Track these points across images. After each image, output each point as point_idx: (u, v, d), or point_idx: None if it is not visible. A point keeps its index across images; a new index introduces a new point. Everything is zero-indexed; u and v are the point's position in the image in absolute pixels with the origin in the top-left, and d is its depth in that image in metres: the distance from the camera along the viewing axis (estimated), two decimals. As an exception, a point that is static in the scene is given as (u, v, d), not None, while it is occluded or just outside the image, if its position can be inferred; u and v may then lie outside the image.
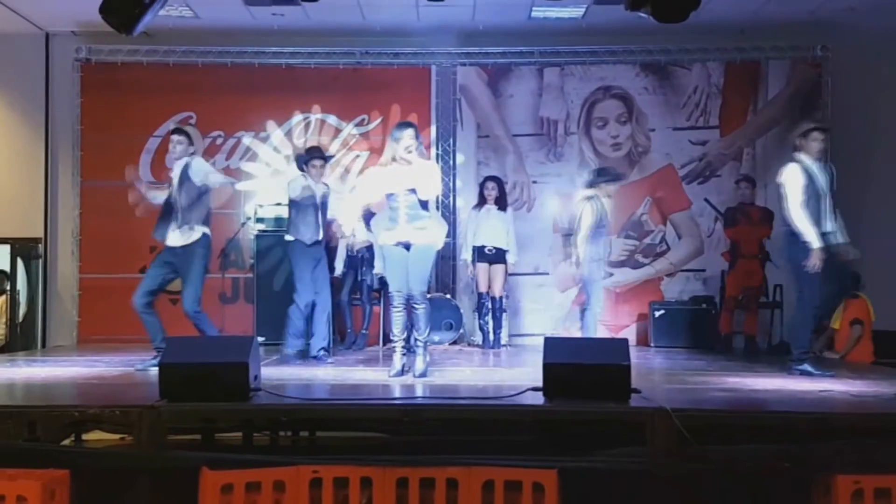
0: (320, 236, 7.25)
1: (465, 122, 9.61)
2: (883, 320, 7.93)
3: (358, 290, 8.44)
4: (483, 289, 8.43)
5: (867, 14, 8.41)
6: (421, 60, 9.57)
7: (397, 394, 5.33)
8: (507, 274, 8.50)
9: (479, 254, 8.39)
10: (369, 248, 8.31)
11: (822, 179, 6.14)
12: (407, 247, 5.86)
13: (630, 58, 9.49)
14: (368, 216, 8.41)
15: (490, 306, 8.44)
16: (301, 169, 7.39)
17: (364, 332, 8.45)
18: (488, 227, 8.40)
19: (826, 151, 6.46)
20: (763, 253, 8.56)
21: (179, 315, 9.15)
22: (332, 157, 8.60)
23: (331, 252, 8.75)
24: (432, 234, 5.90)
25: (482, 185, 8.59)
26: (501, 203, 8.45)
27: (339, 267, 8.47)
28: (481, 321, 8.58)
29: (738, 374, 6.48)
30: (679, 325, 8.96)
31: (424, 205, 5.85)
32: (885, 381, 5.94)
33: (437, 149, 9.54)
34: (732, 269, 8.62)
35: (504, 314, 8.52)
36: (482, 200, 8.50)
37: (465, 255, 8.57)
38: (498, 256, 8.39)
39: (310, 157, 7.39)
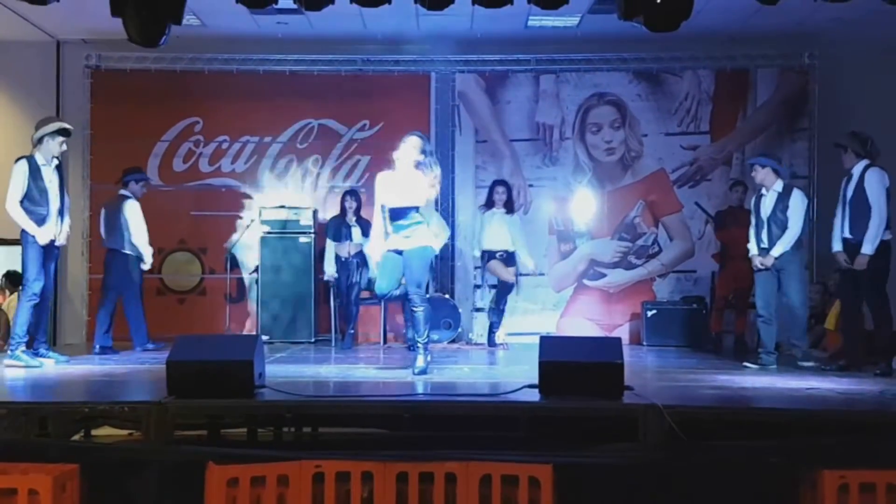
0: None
1: (463, 127, 9.61)
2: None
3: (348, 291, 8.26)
4: (505, 276, 8.23)
5: (853, 24, 8.41)
6: (420, 68, 9.58)
7: (397, 391, 5.34)
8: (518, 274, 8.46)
9: (490, 257, 8.25)
10: (360, 253, 8.16)
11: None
12: (399, 252, 5.93)
13: (623, 65, 9.51)
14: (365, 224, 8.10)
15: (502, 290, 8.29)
16: (125, 185, 7.87)
17: (350, 331, 8.33)
18: (494, 232, 8.23)
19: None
20: (752, 255, 8.56)
21: (188, 313, 9.29)
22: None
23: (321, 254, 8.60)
24: (419, 239, 5.91)
25: (492, 189, 8.41)
26: (509, 207, 8.33)
27: (330, 270, 8.32)
28: (500, 307, 8.35)
29: (728, 371, 6.50)
30: (671, 325, 8.98)
31: (409, 211, 5.89)
32: (869, 379, 5.96)
33: (436, 153, 9.51)
34: (723, 271, 8.65)
35: (503, 313, 8.43)
36: (490, 203, 8.34)
37: (476, 252, 8.43)
38: (509, 260, 8.26)
39: (141, 178, 7.98)
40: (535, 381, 4.86)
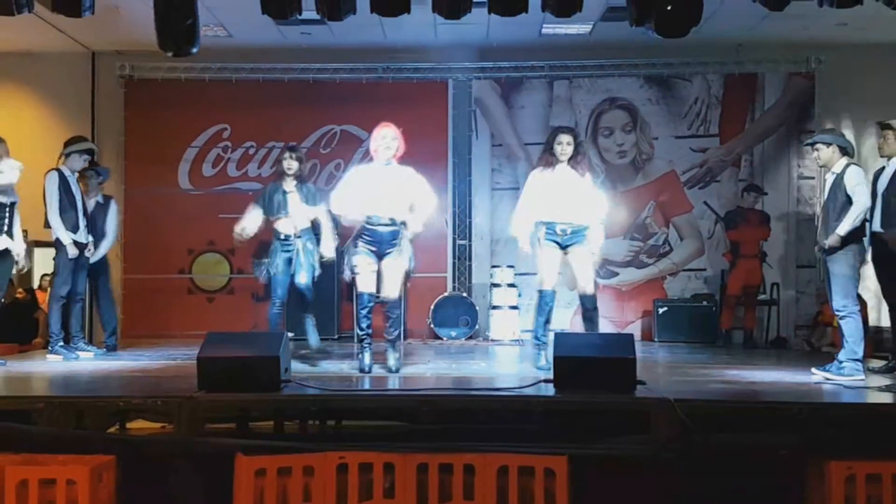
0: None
1: (479, 131, 9.62)
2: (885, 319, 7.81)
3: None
4: (549, 285, 5.74)
5: (857, 29, 8.35)
6: (438, 75, 9.59)
7: (416, 385, 5.34)
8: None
9: (549, 234, 5.72)
10: (309, 231, 6.44)
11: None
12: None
13: (634, 71, 9.48)
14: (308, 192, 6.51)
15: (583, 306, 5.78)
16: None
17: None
18: (561, 197, 5.67)
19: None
20: (761, 253, 8.54)
21: (217, 311, 9.34)
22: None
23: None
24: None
25: (552, 139, 5.72)
26: (577, 165, 5.72)
27: (267, 269, 6.41)
28: (539, 324, 5.83)
29: (738, 366, 6.46)
30: (681, 321, 8.94)
31: None
32: (875, 373, 5.90)
33: (454, 157, 9.55)
34: (733, 269, 8.60)
35: (543, 344, 5.79)
36: (552, 160, 5.71)
37: (515, 232, 5.84)
38: (575, 237, 5.71)
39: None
40: (550, 375, 4.85)
